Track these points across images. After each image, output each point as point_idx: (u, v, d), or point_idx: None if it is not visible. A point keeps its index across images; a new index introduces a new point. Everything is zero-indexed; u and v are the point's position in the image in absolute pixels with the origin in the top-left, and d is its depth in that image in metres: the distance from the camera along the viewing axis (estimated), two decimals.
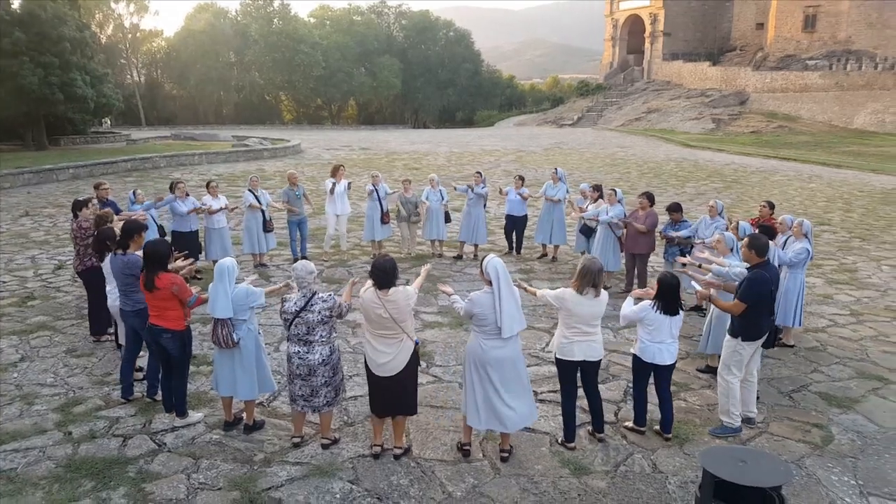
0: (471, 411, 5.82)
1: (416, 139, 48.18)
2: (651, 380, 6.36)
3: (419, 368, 7.74)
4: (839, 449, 6.26)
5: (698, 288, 6.69)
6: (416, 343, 5.82)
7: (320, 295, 5.83)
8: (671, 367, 6.24)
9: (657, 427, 6.40)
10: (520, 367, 5.85)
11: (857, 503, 5.41)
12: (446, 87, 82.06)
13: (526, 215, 13.40)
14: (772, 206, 10.11)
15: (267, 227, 12.45)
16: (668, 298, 6.04)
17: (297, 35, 72.92)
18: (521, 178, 13.52)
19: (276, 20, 74.94)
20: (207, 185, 12.23)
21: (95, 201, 9.94)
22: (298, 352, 5.86)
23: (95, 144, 39.59)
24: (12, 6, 31.41)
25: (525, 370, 6.01)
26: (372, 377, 5.82)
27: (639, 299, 6.42)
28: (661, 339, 6.08)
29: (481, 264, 5.70)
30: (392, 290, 5.62)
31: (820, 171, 30.31)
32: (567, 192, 13.23)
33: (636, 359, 6.28)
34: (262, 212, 12.34)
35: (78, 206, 9.08)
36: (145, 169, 27.62)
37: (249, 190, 12.45)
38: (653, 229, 10.68)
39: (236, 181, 23.50)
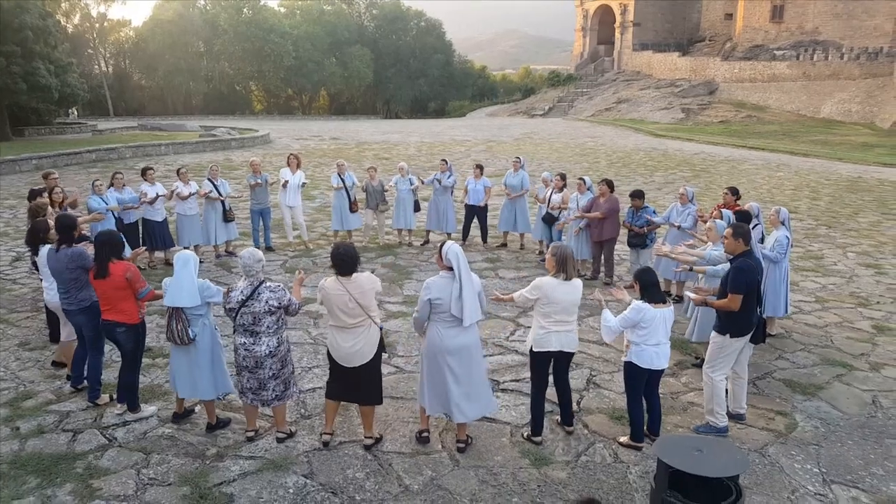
0: (430, 400, 5.72)
1: (388, 129, 47.87)
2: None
3: (382, 359, 7.68)
4: (803, 436, 6.20)
5: (692, 296, 6.47)
6: (381, 328, 5.71)
7: (268, 284, 5.65)
8: (663, 370, 5.96)
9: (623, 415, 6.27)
10: (477, 355, 5.75)
11: (819, 491, 5.35)
12: (418, 77, 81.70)
13: (486, 205, 13.22)
14: (735, 192, 9.95)
15: (227, 216, 12.24)
16: (652, 290, 5.76)
17: (267, 25, 72.15)
18: (480, 168, 13.33)
19: (245, 10, 74.00)
20: (178, 172, 12.05)
21: (59, 190, 9.71)
22: (244, 343, 5.67)
23: (61, 135, 38.86)
24: None
25: (482, 358, 5.91)
26: (337, 366, 5.68)
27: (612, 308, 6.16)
28: (657, 341, 5.71)
29: (440, 250, 5.55)
30: (355, 275, 5.50)
31: (788, 159, 30.59)
32: (527, 181, 13.22)
33: (631, 366, 5.81)
34: (222, 202, 12.13)
35: (33, 196, 8.80)
36: (110, 159, 27.09)
37: (209, 179, 12.21)
38: (614, 215, 10.64)
39: (202, 171, 23.03)
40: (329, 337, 5.68)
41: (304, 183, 13.18)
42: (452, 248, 5.47)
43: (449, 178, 13.05)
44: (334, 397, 5.86)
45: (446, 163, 13.39)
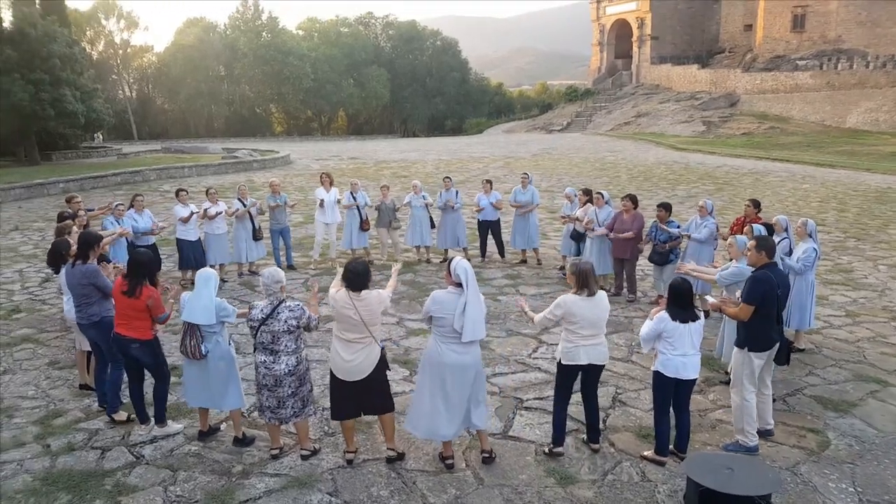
0: (412, 416, 5.72)
1: (405, 148, 48.12)
2: None
3: (403, 376, 7.67)
4: (836, 454, 6.04)
5: (711, 300, 6.41)
6: (382, 347, 5.72)
7: (287, 304, 5.71)
8: (693, 382, 5.86)
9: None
10: (478, 377, 5.69)
11: None
12: (434, 95, 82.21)
13: (499, 219, 13.23)
14: (756, 204, 9.84)
15: (256, 235, 12.39)
16: (681, 305, 5.70)
17: (286, 47, 73.09)
18: (490, 182, 13.36)
19: (264, 33, 75.08)
20: (207, 192, 12.21)
21: (82, 213, 9.85)
22: (265, 361, 5.73)
23: (87, 159, 39.51)
24: (3, 24, 31.38)
25: (484, 380, 5.87)
26: (336, 381, 5.69)
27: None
28: (684, 352, 5.66)
29: (448, 266, 5.55)
30: (364, 291, 5.53)
31: (813, 171, 30.23)
32: (537, 196, 13.23)
33: (658, 375, 5.77)
34: (252, 220, 12.26)
35: (62, 219, 8.93)
36: (135, 182, 27.51)
37: (238, 198, 12.36)
38: (639, 232, 10.52)
39: (225, 192, 23.25)
40: (332, 346, 5.71)
41: (339, 199, 13.34)
42: (461, 264, 5.47)
43: (456, 196, 13.10)
44: (342, 417, 5.84)
45: (450, 180, 13.47)
